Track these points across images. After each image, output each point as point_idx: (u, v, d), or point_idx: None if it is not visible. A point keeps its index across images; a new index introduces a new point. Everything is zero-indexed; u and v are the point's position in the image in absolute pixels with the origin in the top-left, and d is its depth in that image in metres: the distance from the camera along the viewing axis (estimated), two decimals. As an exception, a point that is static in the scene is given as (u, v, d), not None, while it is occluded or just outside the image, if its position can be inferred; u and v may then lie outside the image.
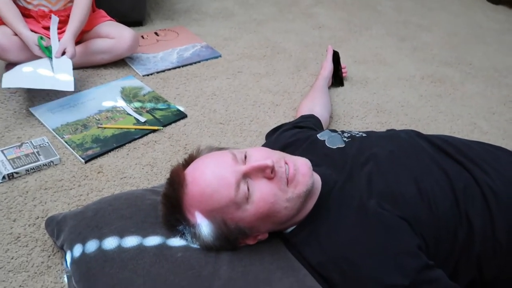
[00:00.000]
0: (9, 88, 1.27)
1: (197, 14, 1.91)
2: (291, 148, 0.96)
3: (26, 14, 1.35)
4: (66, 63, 1.25)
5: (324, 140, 0.95)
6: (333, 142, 0.93)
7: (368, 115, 1.41)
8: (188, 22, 1.84)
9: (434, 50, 1.87)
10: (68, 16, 1.39)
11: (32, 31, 1.33)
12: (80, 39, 1.42)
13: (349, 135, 0.95)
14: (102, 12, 1.47)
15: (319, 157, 0.90)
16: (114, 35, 1.40)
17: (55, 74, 1.22)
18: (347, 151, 0.89)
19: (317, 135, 0.98)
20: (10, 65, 1.33)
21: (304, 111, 1.27)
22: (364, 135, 0.95)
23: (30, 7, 1.34)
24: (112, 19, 1.47)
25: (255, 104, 1.40)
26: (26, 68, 1.21)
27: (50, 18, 1.36)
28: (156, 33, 1.69)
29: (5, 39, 1.24)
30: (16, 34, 1.28)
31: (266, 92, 1.47)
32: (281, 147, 0.98)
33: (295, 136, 1.02)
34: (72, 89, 1.20)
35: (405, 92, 1.56)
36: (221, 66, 1.58)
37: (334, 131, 1.00)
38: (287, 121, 1.29)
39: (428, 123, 1.41)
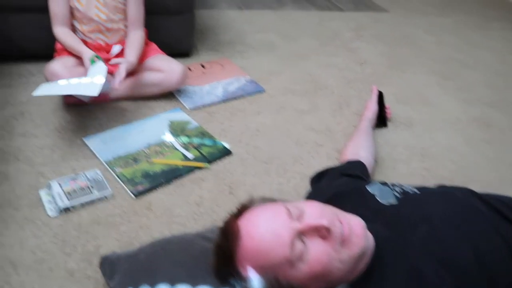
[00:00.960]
0: (39, 96, 1.33)
1: (241, 45, 1.95)
2: (341, 200, 0.96)
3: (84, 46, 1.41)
4: (101, 67, 1.28)
5: (375, 195, 0.94)
6: (384, 197, 0.92)
7: (413, 159, 1.39)
8: (232, 54, 1.87)
9: (479, 90, 1.84)
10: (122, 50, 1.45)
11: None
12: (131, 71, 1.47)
13: (401, 190, 0.94)
14: (154, 45, 1.53)
15: (371, 212, 0.89)
16: (165, 69, 1.45)
17: (84, 78, 1.25)
18: (400, 209, 0.88)
19: (367, 187, 0.97)
20: (67, 95, 1.39)
21: (350, 155, 1.27)
22: (417, 192, 0.93)
23: (88, 40, 1.41)
24: (163, 52, 1.52)
25: (298, 143, 1.41)
26: (61, 81, 1.26)
27: (106, 51, 1.42)
28: (202, 65, 1.73)
29: (66, 71, 1.30)
30: (75, 66, 1.34)
31: (309, 130, 1.48)
32: (330, 197, 0.97)
33: (344, 186, 1.02)
34: (95, 93, 1.18)
35: (450, 136, 1.53)
36: (265, 101, 1.60)
37: (384, 183, 0.99)
38: (330, 163, 1.29)
39: (476, 171, 1.37)
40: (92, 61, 1.29)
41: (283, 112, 1.55)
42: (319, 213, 0.76)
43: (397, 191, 0.94)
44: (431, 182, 1.23)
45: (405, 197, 0.91)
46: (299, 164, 1.33)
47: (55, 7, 1.35)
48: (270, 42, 2.03)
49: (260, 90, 1.64)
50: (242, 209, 0.83)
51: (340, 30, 2.26)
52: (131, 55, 1.36)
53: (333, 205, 0.82)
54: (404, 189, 0.95)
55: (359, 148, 1.31)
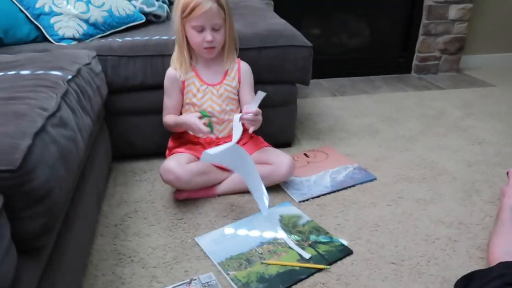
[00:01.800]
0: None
1: (342, 132, 1.89)
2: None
3: (195, 141, 1.44)
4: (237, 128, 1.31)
5: None
6: None
7: None
8: (334, 141, 1.80)
9: None
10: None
11: (198, 157, 1.41)
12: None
13: None
14: (260, 139, 1.52)
15: None
16: (273, 161, 1.41)
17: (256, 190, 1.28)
18: None
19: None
20: (178, 191, 1.40)
21: (500, 255, 1.05)
22: None
23: (199, 135, 1.44)
24: (269, 145, 1.50)
25: (428, 239, 1.22)
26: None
27: (216, 144, 1.43)
28: (306, 155, 1.68)
29: (180, 168, 1.31)
30: (188, 163, 1.35)
31: (438, 224, 1.28)
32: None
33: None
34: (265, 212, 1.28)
35: None
36: (378, 191, 1.45)
37: None
38: (472, 263, 1.08)
39: None
40: (205, 114, 1.33)
41: (402, 203, 1.39)
42: None
43: None
44: None
45: None
46: (434, 265, 1.12)
47: (169, 101, 1.42)
48: (371, 127, 1.94)
49: (371, 178, 1.52)
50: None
51: (446, 109, 2.11)
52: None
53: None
54: None
55: (510, 246, 1.08)
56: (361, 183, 1.49)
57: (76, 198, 1.05)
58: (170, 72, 1.41)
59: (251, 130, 1.34)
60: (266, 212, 1.28)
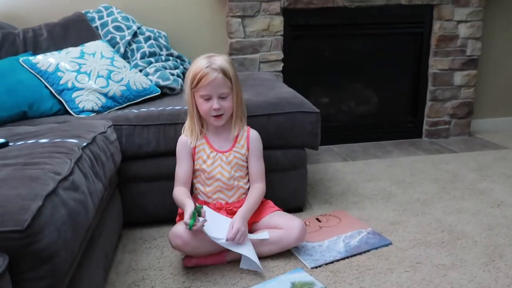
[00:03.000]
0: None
1: (354, 196, 1.86)
2: None
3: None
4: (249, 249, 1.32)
5: None
6: None
7: None
8: (346, 205, 1.78)
9: None
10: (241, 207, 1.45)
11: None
12: (249, 229, 1.43)
13: None
14: (271, 203, 1.51)
15: None
16: (283, 226, 1.39)
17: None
18: None
19: None
20: (187, 258, 1.37)
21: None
22: None
23: (209, 200, 1.45)
24: (279, 209, 1.48)
25: (452, 308, 1.14)
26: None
27: (226, 210, 1.43)
28: (317, 219, 1.65)
29: (188, 233, 1.30)
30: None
31: (461, 291, 1.21)
32: None
33: None
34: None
35: None
36: (395, 256, 1.39)
37: None
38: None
39: None
40: (194, 213, 1.27)
41: (421, 269, 1.32)
42: None
43: None
44: None
45: None
46: (460, 337, 1.04)
47: (180, 169, 1.45)
48: (384, 190, 1.91)
49: (386, 243, 1.46)
50: None
51: (461, 172, 2.09)
52: (242, 210, 1.37)
53: None
54: None
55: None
56: (376, 248, 1.44)
57: (82, 263, 1.04)
58: (182, 138, 1.47)
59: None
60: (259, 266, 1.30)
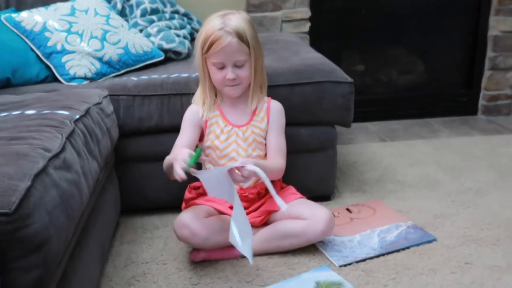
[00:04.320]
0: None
1: (392, 184, 1.87)
2: None
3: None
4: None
5: None
6: None
7: None
8: (383, 194, 1.79)
9: None
10: (257, 194, 1.47)
11: (218, 210, 1.44)
12: (266, 220, 1.46)
13: None
14: (292, 189, 1.53)
15: None
16: (307, 216, 1.40)
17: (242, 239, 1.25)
18: None
19: None
20: (194, 251, 1.41)
21: None
22: None
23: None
24: (303, 196, 1.50)
25: (506, 316, 1.15)
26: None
27: (240, 195, 1.45)
28: (348, 210, 1.66)
29: (196, 223, 1.33)
30: (207, 217, 1.38)
31: (518, 297, 1.21)
32: None
33: None
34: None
35: None
36: (440, 255, 1.41)
37: None
38: None
39: None
40: (198, 153, 1.25)
41: (470, 270, 1.33)
42: None
43: None
44: None
45: None
46: None
47: (180, 138, 1.43)
48: (429, 177, 1.91)
49: (430, 240, 1.47)
50: None
51: (523, 157, 2.06)
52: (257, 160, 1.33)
53: None
54: None
55: None
56: (417, 244, 1.45)
57: (76, 253, 1.08)
58: (193, 107, 1.48)
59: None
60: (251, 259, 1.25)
